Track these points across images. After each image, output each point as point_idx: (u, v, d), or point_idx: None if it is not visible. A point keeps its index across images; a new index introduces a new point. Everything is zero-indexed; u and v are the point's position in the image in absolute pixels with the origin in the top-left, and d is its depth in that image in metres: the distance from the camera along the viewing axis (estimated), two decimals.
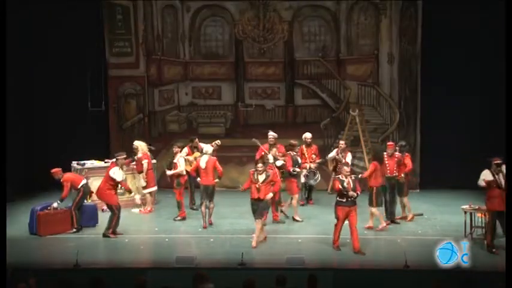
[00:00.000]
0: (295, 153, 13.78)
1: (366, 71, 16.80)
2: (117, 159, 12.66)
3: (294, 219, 13.50)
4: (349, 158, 14.60)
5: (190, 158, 14.20)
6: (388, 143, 13.63)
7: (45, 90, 16.34)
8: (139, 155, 14.27)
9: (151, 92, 17.07)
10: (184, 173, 13.79)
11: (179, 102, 17.13)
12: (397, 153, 13.26)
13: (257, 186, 11.63)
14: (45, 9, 15.90)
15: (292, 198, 13.56)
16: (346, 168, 11.59)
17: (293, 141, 14.01)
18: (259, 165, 11.71)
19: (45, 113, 16.45)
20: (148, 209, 14.39)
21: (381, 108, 16.85)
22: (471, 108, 16.04)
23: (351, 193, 11.21)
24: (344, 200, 11.30)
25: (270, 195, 11.76)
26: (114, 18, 16.79)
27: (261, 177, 11.65)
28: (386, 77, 16.70)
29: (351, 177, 11.44)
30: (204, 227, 12.93)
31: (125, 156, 12.89)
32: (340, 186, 11.27)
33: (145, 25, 16.83)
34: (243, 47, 16.92)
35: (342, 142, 14.84)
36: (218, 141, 14.17)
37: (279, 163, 13.26)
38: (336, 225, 11.45)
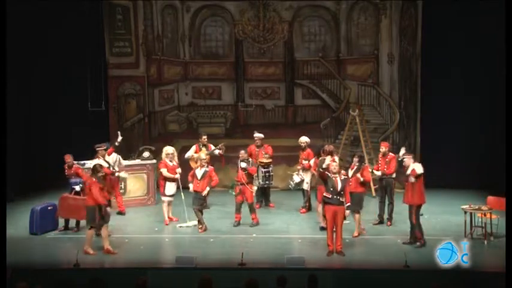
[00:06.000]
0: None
1: (366, 71, 16.80)
2: (97, 151, 12.62)
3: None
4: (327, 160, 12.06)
5: (196, 155, 14.21)
6: (383, 142, 13.47)
7: (45, 90, 16.35)
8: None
9: (151, 92, 17.08)
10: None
11: (179, 102, 17.14)
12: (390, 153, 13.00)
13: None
14: (45, 9, 15.91)
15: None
16: (334, 164, 11.01)
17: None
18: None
19: (45, 112, 16.45)
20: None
21: (381, 108, 16.84)
22: (471, 108, 16.04)
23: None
24: (329, 196, 10.87)
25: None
26: (114, 18, 16.80)
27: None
28: (386, 77, 16.70)
29: (343, 176, 11.01)
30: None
31: (105, 147, 12.88)
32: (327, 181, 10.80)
33: (145, 25, 16.84)
34: (243, 47, 16.93)
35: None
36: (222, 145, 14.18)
37: (243, 164, 12.95)
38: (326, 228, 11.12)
